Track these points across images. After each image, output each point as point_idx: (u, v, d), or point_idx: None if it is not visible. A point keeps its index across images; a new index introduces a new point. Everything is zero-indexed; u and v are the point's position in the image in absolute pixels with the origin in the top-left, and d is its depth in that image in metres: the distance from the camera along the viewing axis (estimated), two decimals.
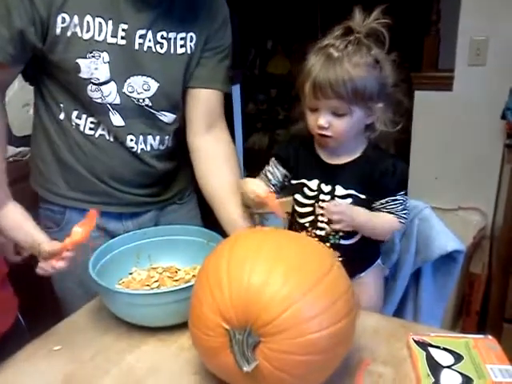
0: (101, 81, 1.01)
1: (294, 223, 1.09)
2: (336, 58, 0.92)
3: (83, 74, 1.00)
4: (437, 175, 2.22)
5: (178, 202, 1.28)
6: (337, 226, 0.97)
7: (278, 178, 1.09)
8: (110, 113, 1.05)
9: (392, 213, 0.99)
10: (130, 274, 1.09)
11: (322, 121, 0.95)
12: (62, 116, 1.08)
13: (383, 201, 1.00)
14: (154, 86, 1.06)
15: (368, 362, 0.84)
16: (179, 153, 1.22)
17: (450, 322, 1.94)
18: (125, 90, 1.04)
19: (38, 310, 0.97)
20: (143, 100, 1.06)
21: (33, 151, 1.18)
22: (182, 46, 1.07)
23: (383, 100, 0.96)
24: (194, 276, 1.05)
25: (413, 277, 1.21)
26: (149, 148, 1.12)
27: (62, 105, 1.07)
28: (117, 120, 1.06)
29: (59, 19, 0.96)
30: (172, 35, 1.05)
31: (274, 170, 1.09)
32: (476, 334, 0.87)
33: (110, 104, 1.04)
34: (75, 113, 1.06)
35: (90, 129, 1.08)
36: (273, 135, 4.19)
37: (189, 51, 1.08)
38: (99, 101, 1.03)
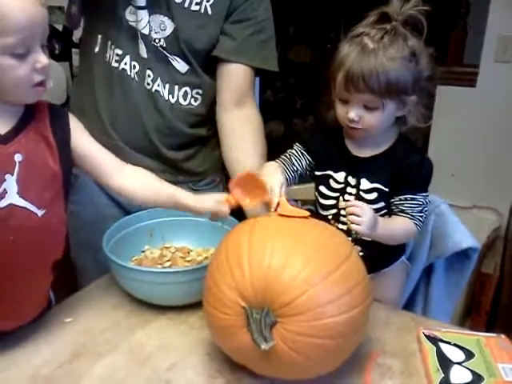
0: (138, 4, 1.06)
1: (315, 214, 1.06)
2: (371, 49, 0.88)
3: None
4: (454, 172, 2.19)
5: (195, 188, 1.23)
6: (355, 227, 0.86)
7: (302, 164, 1.04)
8: (139, 41, 1.09)
9: (408, 213, 0.95)
10: (143, 251, 1.10)
11: (352, 114, 0.91)
12: (97, 49, 1.12)
13: (402, 197, 0.95)
14: (169, 26, 1.08)
15: (378, 354, 0.84)
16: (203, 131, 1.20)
17: (459, 320, 1.92)
18: (151, 22, 1.07)
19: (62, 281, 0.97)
20: (159, 40, 1.08)
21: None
22: (196, 4, 1.07)
23: (416, 93, 0.92)
24: (206, 258, 1.05)
25: (424, 272, 1.20)
26: (162, 92, 1.12)
27: (99, 35, 1.12)
28: (142, 50, 1.09)
29: None
30: None
31: (300, 156, 1.05)
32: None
33: (140, 31, 1.08)
34: (108, 43, 1.10)
35: (116, 61, 1.10)
36: (289, 124, 4.16)
37: (202, 10, 1.08)
38: (134, 25, 1.08)
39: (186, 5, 1.07)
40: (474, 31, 2.15)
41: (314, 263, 0.69)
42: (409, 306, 1.21)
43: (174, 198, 0.89)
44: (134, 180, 0.91)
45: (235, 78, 1.13)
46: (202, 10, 1.08)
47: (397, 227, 0.95)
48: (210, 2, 1.08)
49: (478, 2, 2.13)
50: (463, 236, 1.12)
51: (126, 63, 1.10)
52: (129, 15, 1.08)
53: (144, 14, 1.07)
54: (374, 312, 0.81)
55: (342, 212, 0.99)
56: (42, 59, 0.74)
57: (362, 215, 0.85)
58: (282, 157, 1.06)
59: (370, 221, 0.85)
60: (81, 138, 0.87)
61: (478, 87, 2.07)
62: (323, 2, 3.80)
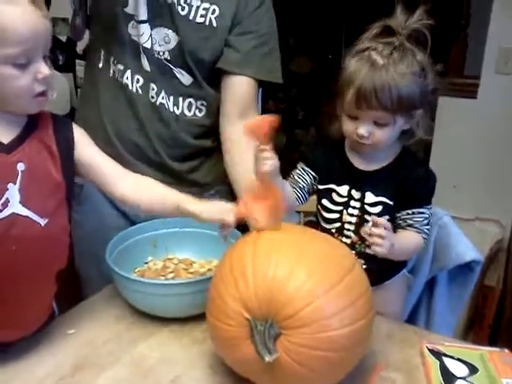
0: (139, 19, 1.07)
1: (317, 227, 1.06)
2: (381, 65, 0.87)
3: (128, 10, 1.08)
4: (455, 183, 2.19)
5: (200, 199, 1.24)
6: (378, 250, 0.84)
7: (307, 180, 1.03)
8: (141, 55, 1.10)
9: (416, 227, 0.96)
10: (146, 263, 1.10)
11: (362, 130, 0.91)
12: (101, 65, 1.14)
13: (410, 211, 0.96)
14: (174, 39, 1.09)
15: (381, 368, 0.83)
16: (208, 144, 1.21)
17: (461, 333, 1.91)
18: (153, 35, 1.08)
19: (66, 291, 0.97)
20: (163, 53, 1.09)
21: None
22: (201, 16, 1.08)
23: (423, 106, 0.93)
24: (209, 270, 1.05)
25: (427, 285, 1.20)
26: (167, 104, 1.12)
27: (102, 51, 1.14)
28: (145, 64, 1.10)
29: None
30: (195, 3, 1.07)
31: (302, 173, 1.04)
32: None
33: (142, 45, 1.09)
34: (111, 58, 1.12)
35: (120, 76, 1.12)
36: (291, 135, 4.17)
37: (207, 23, 1.09)
38: (135, 39, 1.09)
39: (190, 17, 1.08)
40: (474, 42, 2.16)
41: (317, 275, 0.69)
42: (411, 319, 1.21)
43: (179, 205, 0.87)
44: (138, 188, 0.90)
45: (239, 90, 1.13)
46: (207, 23, 1.09)
47: (407, 242, 0.95)
48: (215, 15, 1.09)
49: (479, 14, 2.15)
50: (466, 248, 1.11)
51: (127, 77, 1.11)
52: (131, 29, 1.09)
53: (146, 28, 1.08)
54: (376, 325, 0.81)
55: (346, 226, 0.99)
56: (44, 70, 0.75)
57: (385, 237, 0.84)
58: (288, 178, 1.05)
59: (391, 241, 0.85)
60: (85, 147, 0.87)
61: (478, 98, 2.08)
62: (324, 12, 3.84)
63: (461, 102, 2.12)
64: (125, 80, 1.12)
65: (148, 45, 1.09)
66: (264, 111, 1.25)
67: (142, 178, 0.93)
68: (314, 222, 1.10)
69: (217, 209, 0.87)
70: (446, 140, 2.17)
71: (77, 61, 2.28)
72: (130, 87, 1.12)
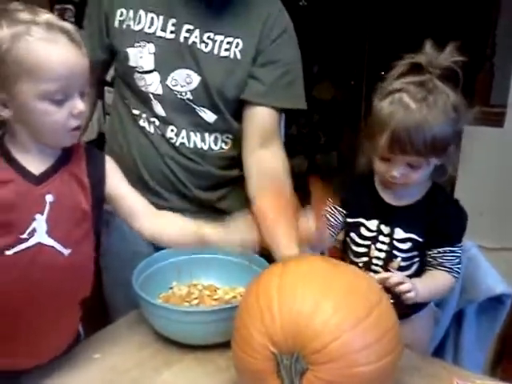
0: (144, 69, 1.08)
1: (345, 260, 1.05)
2: (415, 110, 0.85)
3: (131, 63, 1.09)
4: (481, 211, 2.15)
5: None
6: (409, 300, 0.87)
7: (338, 219, 1.03)
8: (153, 102, 1.10)
9: (446, 266, 0.94)
10: (171, 288, 1.10)
11: (395, 173, 0.90)
12: (121, 103, 1.16)
13: (441, 250, 0.94)
14: (196, 79, 1.09)
15: None
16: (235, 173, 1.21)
17: (489, 368, 1.85)
18: (168, 82, 1.09)
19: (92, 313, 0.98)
20: (185, 93, 1.09)
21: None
22: (226, 50, 1.09)
23: (455, 142, 0.92)
24: (233, 297, 1.05)
25: (455, 317, 1.17)
26: (191, 145, 1.13)
27: (117, 94, 1.17)
28: (158, 109, 1.11)
29: (118, 13, 1.08)
30: (219, 38, 1.08)
31: (334, 211, 1.03)
32: None
33: (152, 93, 1.09)
34: (126, 102, 1.14)
35: (138, 119, 1.13)
36: (313, 160, 4.19)
37: (231, 56, 1.09)
38: (143, 89, 1.10)
39: (215, 52, 1.08)
40: (500, 71, 2.15)
41: (344, 309, 0.69)
42: (438, 352, 1.18)
43: (201, 238, 0.89)
44: (155, 228, 0.91)
45: (262, 120, 1.13)
46: (232, 56, 1.09)
47: (439, 285, 0.94)
48: (239, 48, 1.09)
49: (504, 43, 2.14)
50: (496, 281, 1.09)
51: (144, 121, 1.13)
52: (138, 80, 1.10)
53: (154, 77, 1.08)
54: (404, 358, 0.79)
55: (374, 261, 0.98)
56: (79, 106, 0.77)
57: (412, 290, 0.85)
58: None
59: (417, 291, 0.86)
60: (113, 180, 0.88)
61: (505, 127, 2.06)
62: (346, 40, 3.88)
63: (487, 131, 2.10)
64: (141, 123, 1.13)
65: (160, 91, 1.09)
66: (286, 136, 1.25)
67: (165, 214, 0.94)
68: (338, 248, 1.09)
69: (238, 236, 0.87)
70: (472, 168, 2.15)
71: (106, 88, 2.34)
72: (148, 129, 1.13)
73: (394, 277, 0.85)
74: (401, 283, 0.85)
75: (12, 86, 0.72)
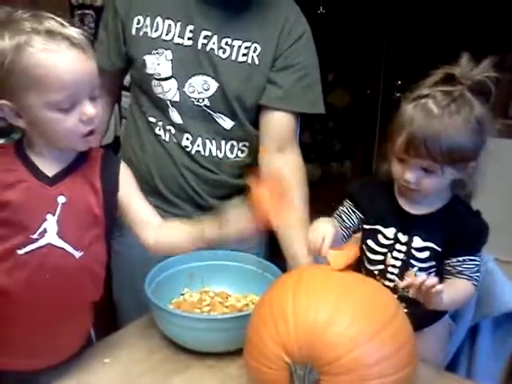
0: (162, 76, 1.08)
1: (360, 267, 1.03)
2: (436, 115, 0.85)
3: (148, 70, 1.09)
4: (498, 224, 2.12)
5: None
6: (434, 305, 0.85)
7: (354, 221, 1.02)
8: (169, 109, 1.10)
9: (466, 274, 0.92)
10: (182, 294, 1.10)
11: (409, 176, 0.89)
12: (137, 110, 1.15)
13: (461, 259, 0.93)
14: (213, 86, 1.08)
15: None
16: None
17: (503, 382, 1.81)
18: (185, 89, 1.09)
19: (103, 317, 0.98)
20: (202, 100, 1.09)
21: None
22: (243, 55, 1.09)
23: (477, 159, 0.90)
24: (245, 304, 1.04)
25: (469, 331, 1.15)
26: (207, 153, 1.12)
27: (134, 100, 1.17)
28: (175, 117, 1.11)
29: (135, 21, 1.09)
30: (236, 43, 1.08)
31: (350, 213, 1.03)
32: None
33: (169, 100, 1.09)
34: (142, 109, 1.14)
35: (154, 127, 1.13)
36: (327, 167, 4.17)
37: (249, 61, 1.09)
38: (160, 96, 1.10)
39: (233, 58, 1.08)
40: None
41: (361, 321, 0.68)
42: (451, 366, 1.16)
43: (201, 239, 0.90)
44: (159, 241, 0.92)
45: (279, 124, 1.12)
46: (250, 61, 1.09)
47: (460, 292, 0.92)
48: (257, 53, 1.09)
49: None
50: None
51: (159, 129, 1.13)
52: (155, 87, 1.10)
53: (172, 84, 1.08)
54: (417, 371, 0.78)
55: (390, 269, 0.97)
56: (88, 111, 0.76)
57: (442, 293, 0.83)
58: (334, 215, 1.04)
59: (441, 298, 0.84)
60: (125, 187, 0.89)
61: None
62: (363, 48, 3.87)
63: (505, 143, 2.06)
64: (157, 131, 1.13)
65: (177, 98, 1.09)
66: (300, 143, 1.24)
67: (166, 227, 0.93)
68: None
69: (234, 227, 0.87)
70: (490, 180, 2.12)
71: (123, 92, 2.36)
72: (163, 137, 1.13)
73: (429, 279, 0.82)
74: (434, 286, 0.82)
75: (20, 97, 0.73)
